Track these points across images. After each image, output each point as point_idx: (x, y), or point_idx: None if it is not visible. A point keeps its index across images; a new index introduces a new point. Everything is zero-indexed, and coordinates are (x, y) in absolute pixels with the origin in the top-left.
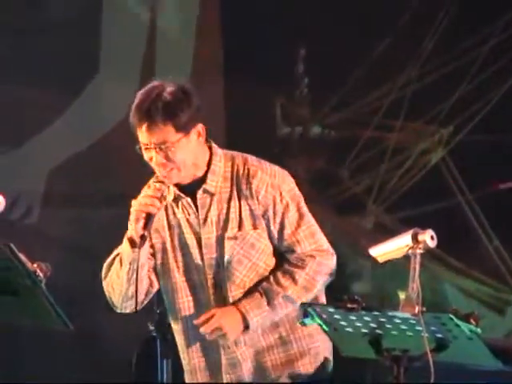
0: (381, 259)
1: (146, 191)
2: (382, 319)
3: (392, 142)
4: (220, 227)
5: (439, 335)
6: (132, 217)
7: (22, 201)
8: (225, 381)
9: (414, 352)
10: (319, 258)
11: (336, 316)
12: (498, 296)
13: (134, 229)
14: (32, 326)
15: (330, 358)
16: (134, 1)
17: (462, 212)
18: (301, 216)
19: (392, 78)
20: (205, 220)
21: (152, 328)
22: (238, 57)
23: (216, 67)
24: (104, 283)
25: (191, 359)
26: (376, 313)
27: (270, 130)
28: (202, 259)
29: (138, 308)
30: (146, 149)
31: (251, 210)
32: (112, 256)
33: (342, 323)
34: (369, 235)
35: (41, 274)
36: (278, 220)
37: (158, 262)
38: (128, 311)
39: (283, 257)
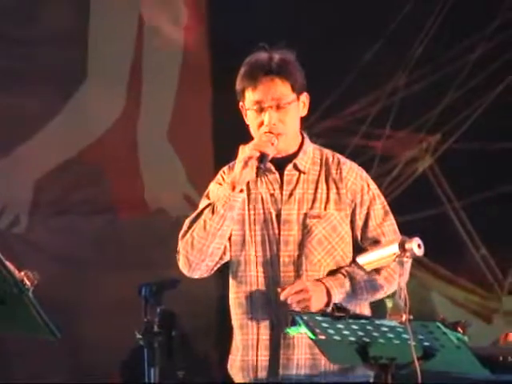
0: (368, 267)
1: (259, 137)
2: (370, 327)
3: (379, 150)
4: (304, 205)
5: (426, 343)
6: (242, 156)
7: (10, 209)
8: (281, 361)
9: (401, 360)
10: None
11: (323, 324)
12: (485, 304)
13: (239, 173)
14: (18, 335)
15: None
16: (122, 10)
17: (449, 220)
18: (386, 212)
19: (379, 86)
20: (289, 196)
21: (139, 337)
22: (225, 66)
23: (203, 77)
24: (181, 242)
25: (249, 335)
26: (363, 321)
27: None
28: (279, 235)
29: (208, 274)
30: (258, 110)
31: (339, 193)
32: (197, 211)
33: (330, 331)
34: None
35: (28, 283)
36: (365, 210)
37: (235, 232)
38: (198, 274)
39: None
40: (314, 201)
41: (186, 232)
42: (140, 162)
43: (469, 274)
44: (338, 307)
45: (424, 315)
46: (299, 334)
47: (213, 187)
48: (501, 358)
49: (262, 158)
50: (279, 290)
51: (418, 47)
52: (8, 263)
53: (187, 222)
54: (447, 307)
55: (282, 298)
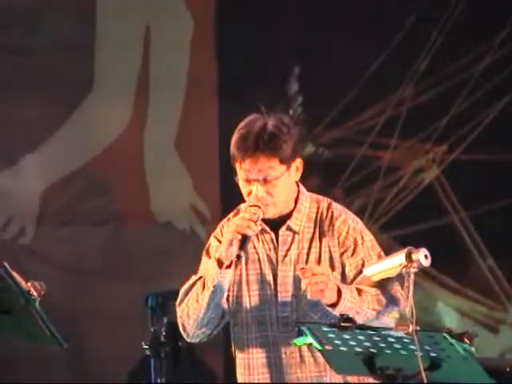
0: (375, 278)
1: (241, 214)
2: (376, 338)
3: (386, 160)
4: (298, 267)
5: (433, 354)
6: (226, 237)
7: (16, 220)
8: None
9: (407, 371)
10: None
11: (330, 335)
12: (492, 315)
13: (224, 250)
14: (26, 344)
15: None
16: (129, 22)
17: (455, 231)
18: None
19: (386, 96)
20: (284, 257)
21: (146, 347)
22: (231, 76)
23: (210, 87)
24: (178, 310)
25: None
26: (370, 332)
27: None
28: (276, 296)
29: (208, 339)
30: (247, 181)
31: (330, 251)
32: (191, 281)
33: (336, 342)
34: None
35: (35, 293)
36: (359, 261)
37: (231, 293)
38: (198, 340)
39: None
40: (307, 261)
41: (182, 301)
42: (146, 173)
43: (475, 284)
44: (345, 318)
45: (430, 326)
46: (305, 345)
47: (213, 242)
48: (508, 369)
49: (244, 239)
50: (300, 268)
51: (424, 58)
52: (15, 274)
53: (182, 290)
54: (454, 318)
55: (303, 275)
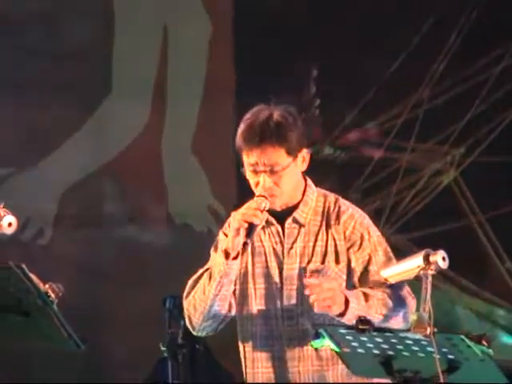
0: (392, 280)
1: (248, 203)
2: (394, 340)
3: (403, 162)
4: (304, 259)
5: (451, 356)
6: (233, 226)
7: (34, 222)
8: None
9: (425, 373)
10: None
11: (347, 337)
12: (510, 317)
13: (231, 240)
14: (43, 347)
15: None
16: (147, 24)
17: (474, 233)
18: (389, 258)
19: (403, 99)
20: (290, 250)
21: (163, 349)
22: (249, 77)
23: (228, 87)
24: (185, 302)
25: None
26: (387, 334)
27: None
28: (282, 289)
29: (214, 332)
30: (254, 172)
31: (336, 244)
32: (198, 273)
33: (354, 344)
34: None
35: (52, 295)
36: (366, 256)
37: (238, 286)
38: (205, 334)
39: None
40: (313, 254)
41: (189, 293)
42: (164, 175)
43: (493, 286)
44: (362, 320)
45: (448, 328)
46: (323, 347)
47: (221, 236)
48: None
49: (251, 228)
50: (307, 279)
51: (442, 60)
52: (33, 275)
53: (190, 282)
54: (472, 320)
55: (310, 290)
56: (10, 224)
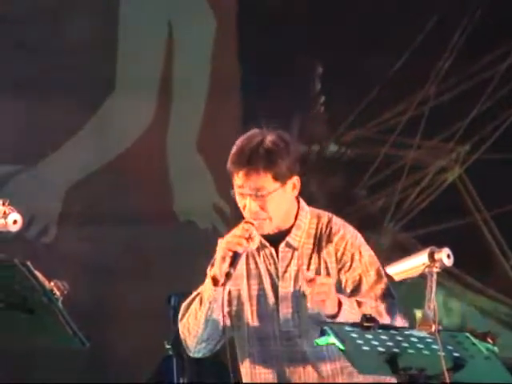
0: (397, 278)
1: (234, 230)
2: (399, 338)
3: (409, 160)
4: (298, 282)
5: (456, 354)
6: (218, 255)
7: (39, 219)
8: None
9: (430, 371)
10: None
11: (352, 334)
12: None
13: (218, 267)
14: (44, 345)
15: None
16: (151, 21)
17: (478, 230)
18: (379, 277)
19: (408, 96)
20: (284, 273)
21: (168, 347)
22: (254, 74)
23: (233, 84)
24: (180, 325)
25: None
26: (392, 331)
27: None
28: (278, 311)
29: (210, 353)
30: (241, 195)
31: (328, 267)
32: (191, 297)
33: (359, 342)
34: (385, 254)
35: (57, 293)
36: (356, 277)
37: (234, 308)
38: (201, 355)
39: None
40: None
41: (183, 315)
42: (169, 173)
43: (498, 284)
44: (367, 318)
45: (453, 326)
46: (327, 344)
47: (220, 242)
48: None
49: (235, 257)
50: (306, 275)
51: (447, 58)
52: (38, 273)
53: (183, 306)
54: (476, 318)
55: (307, 284)
56: (15, 221)
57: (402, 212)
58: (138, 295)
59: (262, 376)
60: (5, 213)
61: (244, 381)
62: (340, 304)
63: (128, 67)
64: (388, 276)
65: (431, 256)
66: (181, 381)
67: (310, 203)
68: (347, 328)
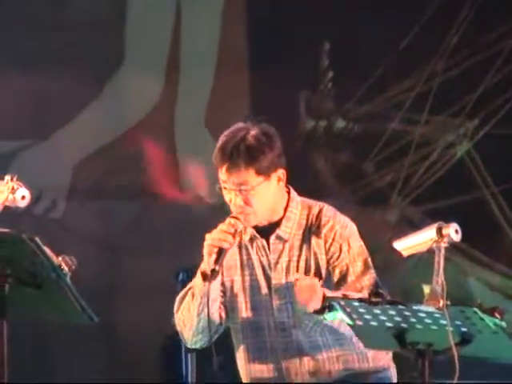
0: (405, 253)
1: (220, 226)
2: (407, 313)
3: (417, 135)
4: (289, 274)
5: (464, 329)
6: (205, 251)
7: (47, 195)
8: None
9: (438, 346)
10: None
11: (360, 310)
12: None
13: (206, 263)
14: (54, 321)
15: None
16: None
17: (486, 205)
18: (367, 268)
19: (417, 71)
20: (276, 264)
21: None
22: (262, 49)
23: (241, 59)
24: (176, 317)
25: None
26: (400, 306)
27: (295, 123)
28: (271, 302)
29: (208, 344)
30: (226, 189)
31: (316, 258)
32: (185, 290)
33: (367, 317)
34: (393, 229)
35: (66, 268)
36: (343, 267)
37: (228, 299)
38: (198, 346)
39: None
40: (297, 269)
41: (178, 308)
42: (177, 148)
43: (506, 259)
44: (375, 293)
45: (461, 301)
46: (336, 319)
47: (207, 237)
48: None
49: (220, 253)
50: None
51: (455, 33)
52: (46, 248)
53: (178, 298)
54: (484, 292)
55: (294, 285)
56: (23, 197)
57: (409, 187)
58: (146, 270)
59: (257, 366)
60: (13, 188)
61: (239, 369)
62: (324, 300)
63: (137, 42)
64: (396, 252)
65: (439, 231)
66: (189, 357)
67: (317, 179)
68: (355, 303)
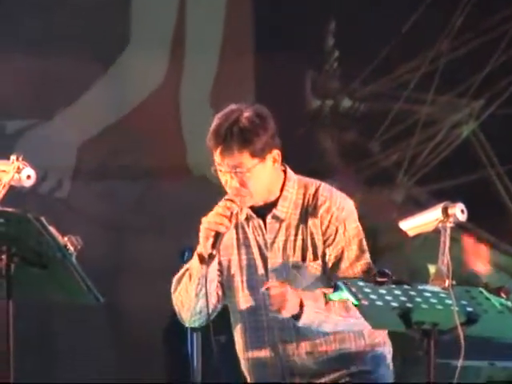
0: (411, 233)
1: (215, 209)
2: (412, 293)
3: (423, 115)
4: (286, 254)
5: (469, 309)
6: (201, 234)
7: (53, 174)
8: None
9: (444, 326)
10: None
11: (366, 289)
12: None
13: (203, 247)
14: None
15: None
16: None
17: (492, 185)
18: (362, 251)
19: (422, 51)
20: (272, 244)
21: None
22: (268, 29)
23: (246, 39)
24: (173, 297)
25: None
26: (406, 286)
27: (300, 103)
28: (268, 281)
29: (207, 322)
30: (221, 172)
31: (313, 239)
32: (182, 271)
33: (372, 297)
34: (399, 208)
35: (71, 248)
36: (339, 251)
37: (225, 278)
38: (197, 325)
39: None
40: (294, 248)
41: (176, 289)
42: (182, 127)
43: (511, 238)
44: (381, 272)
45: (467, 280)
46: (341, 300)
47: (203, 220)
48: None
49: (217, 237)
50: (265, 287)
51: (461, 12)
52: (51, 228)
53: (175, 279)
54: (490, 272)
55: (270, 292)
56: (28, 176)
57: (415, 167)
58: (151, 250)
59: (254, 345)
60: (18, 168)
61: (237, 351)
62: (302, 305)
63: (142, 23)
64: (402, 232)
65: (445, 211)
66: (193, 336)
67: (323, 159)
68: (360, 283)
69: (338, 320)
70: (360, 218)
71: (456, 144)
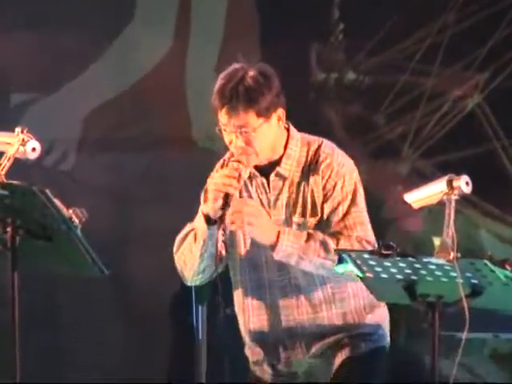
0: (416, 205)
1: (222, 170)
2: (417, 265)
3: (428, 87)
4: (289, 211)
5: (474, 281)
6: (210, 196)
7: (58, 147)
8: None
9: (448, 298)
10: (365, 244)
11: (371, 262)
12: None
13: (211, 207)
14: (65, 273)
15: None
16: None
17: (497, 158)
18: (354, 205)
19: (428, 23)
20: (275, 201)
21: None
22: (272, 1)
23: (251, 11)
24: (175, 257)
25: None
26: (411, 259)
27: (305, 75)
28: None
29: (210, 279)
30: (226, 132)
31: (313, 196)
32: (185, 231)
33: (377, 269)
34: (404, 181)
35: (76, 220)
36: (335, 204)
37: (227, 236)
38: (198, 283)
39: None
40: (296, 205)
41: (178, 249)
42: (188, 99)
43: None
44: (386, 245)
45: (471, 253)
46: (346, 271)
47: (209, 182)
48: None
49: (227, 198)
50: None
51: None
52: (56, 201)
53: (178, 240)
54: (495, 244)
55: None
56: (33, 149)
57: (420, 139)
58: (156, 222)
59: (254, 304)
60: (23, 140)
61: (236, 309)
62: (278, 235)
63: None
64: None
65: (450, 183)
66: (199, 308)
67: (328, 131)
68: (365, 255)
69: (316, 260)
70: (365, 191)
71: (461, 116)
